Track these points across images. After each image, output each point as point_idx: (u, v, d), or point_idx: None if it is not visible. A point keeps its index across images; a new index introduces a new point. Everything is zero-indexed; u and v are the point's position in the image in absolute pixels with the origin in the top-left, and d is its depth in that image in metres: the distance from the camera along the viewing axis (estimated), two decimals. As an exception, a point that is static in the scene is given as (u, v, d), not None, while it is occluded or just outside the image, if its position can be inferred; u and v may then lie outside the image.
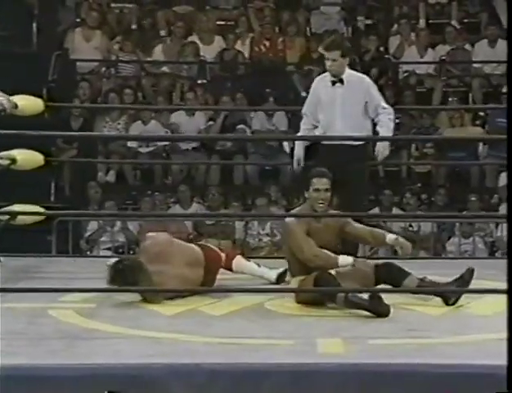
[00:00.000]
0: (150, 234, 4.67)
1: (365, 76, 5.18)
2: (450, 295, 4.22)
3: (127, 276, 4.24)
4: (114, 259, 4.43)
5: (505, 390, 2.91)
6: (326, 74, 5.08)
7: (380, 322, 4.04)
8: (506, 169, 3.19)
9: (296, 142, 5.18)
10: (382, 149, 5.04)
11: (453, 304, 4.23)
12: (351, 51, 5.28)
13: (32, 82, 7.32)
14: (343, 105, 5.03)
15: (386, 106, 5.07)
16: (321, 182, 4.30)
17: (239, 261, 4.79)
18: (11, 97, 4.85)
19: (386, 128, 5.01)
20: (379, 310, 4.04)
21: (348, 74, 5.08)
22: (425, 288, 4.28)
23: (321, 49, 5.14)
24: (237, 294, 4.48)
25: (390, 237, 4.37)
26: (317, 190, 4.29)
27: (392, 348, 3.60)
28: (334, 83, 5.05)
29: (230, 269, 4.77)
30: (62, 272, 5.19)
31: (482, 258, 6.86)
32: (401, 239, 4.39)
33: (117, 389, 3.26)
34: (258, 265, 4.83)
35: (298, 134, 5.25)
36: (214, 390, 3.30)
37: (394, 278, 4.29)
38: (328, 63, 5.02)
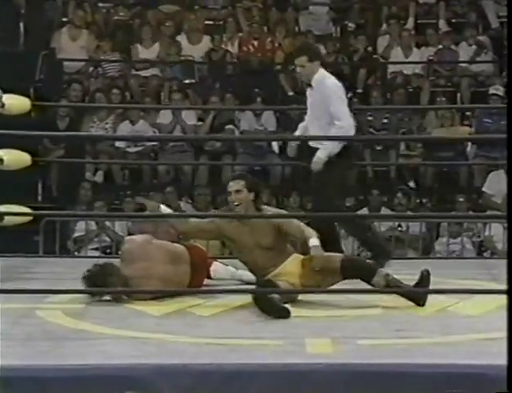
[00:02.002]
0: (128, 237, 4.70)
1: (331, 82, 5.10)
2: (420, 296, 4.22)
3: (97, 280, 4.25)
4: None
5: (504, 390, 2.92)
6: None
7: (369, 321, 4.04)
8: (506, 168, 3.20)
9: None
10: (315, 162, 5.01)
11: (423, 304, 4.22)
12: (319, 54, 5.28)
13: (19, 81, 7.29)
14: (312, 108, 5.11)
15: (340, 123, 5.00)
16: (230, 186, 4.45)
17: (216, 268, 4.77)
18: None
19: (324, 149, 4.99)
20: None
21: (320, 77, 5.08)
22: (398, 289, 4.25)
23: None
24: (224, 294, 4.48)
25: (311, 242, 4.28)
26: (230, 193, 4.45)
27: (381, 348, 3.61)
28: (308, 86, 5.11)
29: (209, 277, 4.75)
30: (49, 272, 5.18)
31: (470, 258, 6.88)
32: (317, 250, 4.25)
33: (104, 390, 3.25)
34: (236, 268, 4.80)
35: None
36: (202, 391, 3.29)
37: (363, 275, 4.27)
38: (297, 69, 5.04)
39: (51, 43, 8.99)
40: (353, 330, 3.89)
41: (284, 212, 4.84)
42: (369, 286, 4.26)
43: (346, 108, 5.05)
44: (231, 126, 8.42)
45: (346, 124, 5.00)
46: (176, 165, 8.37)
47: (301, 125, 5.30)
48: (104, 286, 4.24)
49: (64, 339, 3.70)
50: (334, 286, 4.31)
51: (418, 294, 4.21)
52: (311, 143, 5.10)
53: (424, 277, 4.27)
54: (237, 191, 4.40)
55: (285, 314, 4.05)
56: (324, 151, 4.99)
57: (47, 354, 3.46)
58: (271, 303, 4.04)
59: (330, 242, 4.52)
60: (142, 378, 3.28)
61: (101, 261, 4.46)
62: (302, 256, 4.37)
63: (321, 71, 5.10)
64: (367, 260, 4.60)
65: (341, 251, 4.83)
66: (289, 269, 4.31)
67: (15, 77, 7.55)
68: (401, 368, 3.34)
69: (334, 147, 5.00)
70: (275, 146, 8.55)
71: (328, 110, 5.01)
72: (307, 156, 5.03)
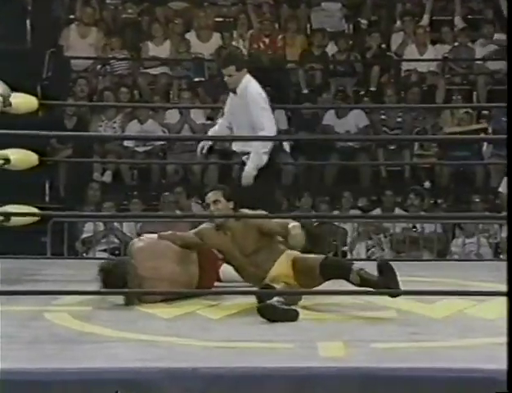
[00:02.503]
0: (135, 239, 4.71)
1: (253, 91, 5.13)
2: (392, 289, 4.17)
3: (114, 276, 4.26)
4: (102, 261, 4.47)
5: (504, 390, 2.91)
6: None
7: (383, 324, 4.03)
8: (506, 168, 3.20)
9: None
10: (245, 177, 5.03)
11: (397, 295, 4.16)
12: (246, 63, 5.35)
13: (26, 80, 7.31)
14: (234, 115, 5.15)
15: (263, 133, 4.99)
16: (208, 197, 4.57)
17: (225, 269, 4.77)
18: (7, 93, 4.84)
19: (251, 162, 4.99)
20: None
21: (244, 85, 5.11)
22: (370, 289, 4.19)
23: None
24: (234, 297, 4.47)
25: (290, 225, 4.35)
26: (208, 205, 4.57)
27: (395, 352, 3.59)
28: (233, 92, 5.16)
29: (218, 279, 4.76)
30: (57, 274, 5.19)
31: (486, 260, 6.86)
32: (295, 229, 4.35)
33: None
34: None
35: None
36: (212, 395, 3.29)
37: (341, 274, 4.26)
38: (225, 78, 5.12)
39: (58, 41, 9.01)
40: (367, 333, 3.88)
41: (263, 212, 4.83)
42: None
43: (269, 116, 5.06)
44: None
45: (269, 134, 4.99)
46: (185, 165, 8.38)
47: (212, 130, 5.33)
48: (119, 282, 4.24)
49: (71, 342, 3.70)
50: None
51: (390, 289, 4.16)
52: (237, 148, 5.12)
53: (383, 267, 4.21)
54: (215, 201, 4.52)
55: (294, 316, 4.05)
56: (252, 165, 5.01)
57: (54, 358, 3.46)
58: (275, 309, 4.05)
59: (317, 245, 4.55)
60: (151, 382, 3.28)
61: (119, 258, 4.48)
62: (294, 253, 4.38)
63: (247, 78, 5.15)
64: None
65: (324, 252, 4.84)
66: (284, 271, 4.32)
67: (22, 75, 7.57)
68: (416, 372, 3.32)
69: (260, 159, 4.99)
70: (286, 145, 8.55)
71: (250, 117, 5.03)
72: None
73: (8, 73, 7.45)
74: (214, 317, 4.15)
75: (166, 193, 7.85)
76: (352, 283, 4.22)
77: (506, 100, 2.96)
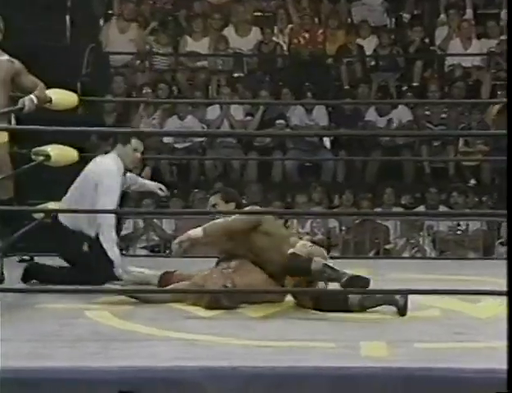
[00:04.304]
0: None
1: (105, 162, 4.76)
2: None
3: None
4: None
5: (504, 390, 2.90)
6: None
7: (426, 324, 4.02)
8: (506, 168, 3.19)
9: None
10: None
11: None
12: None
13: (65, 76, 7.39)
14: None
15: (100, 220, 4.56)
16: (210, 202, 4.62)
17: None
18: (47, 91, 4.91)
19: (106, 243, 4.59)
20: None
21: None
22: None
23: None
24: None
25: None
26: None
27: (439, 352, 3.58)
28: None
29: None
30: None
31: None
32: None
33: (151, 392, 3.29)
34: None
35: None
36: (252, 394, 3.30)
37: (302, 268, 4.25)
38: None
39: (98, 36, 9.09)
40: (410, 332, 3.87)
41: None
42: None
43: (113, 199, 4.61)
44: (281, 121, 8.42)
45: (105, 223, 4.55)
46: (224, 161, 8.41)
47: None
48: None
49: (112, 340, 3.74)
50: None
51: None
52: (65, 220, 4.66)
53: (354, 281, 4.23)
54: (214, 205, 4.58)
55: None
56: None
57: (96, 356, 3.51)
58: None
59: None
60: (190, 381, 3.31)
61: None
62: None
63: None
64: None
65: None
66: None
67: (62, 71, 7.65)
68: (460, 372, 3.31)
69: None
70: (326, 141, 8.54)
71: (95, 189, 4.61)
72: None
73: (48, 69, 7.55)
74: (255, 315, 4.17)
75: (196, 190, 7.88)
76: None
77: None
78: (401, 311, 4.13)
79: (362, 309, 4.19)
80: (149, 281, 4.51)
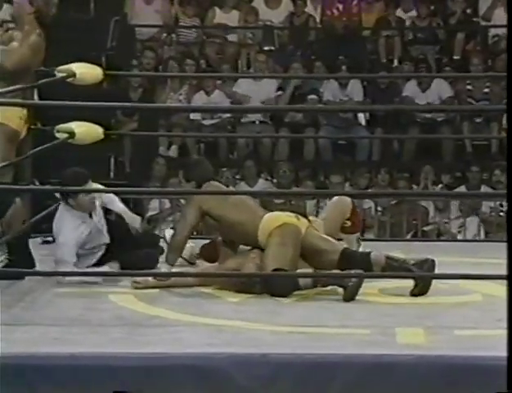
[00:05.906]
0: None
1: None
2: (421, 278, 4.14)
3: None
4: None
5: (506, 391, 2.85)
6: None
7: (467, 310, 3.97)
8: (506, 168, 3.15)
9: None
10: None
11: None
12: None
13: (90, 49, 7.38)
14: None
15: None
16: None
17: None
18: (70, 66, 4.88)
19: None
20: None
21: None
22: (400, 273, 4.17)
23: None
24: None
25: None
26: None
27: (480, 339, 3.53)
28: None
29: None
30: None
31: None
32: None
33: (178, 379, 3.27)
34: None
35: None
36: (281, 383, 3.28)
37: (360, 263, 4.19)
38: None
39: (123, 8, 9.06)
40: (450, 319, 3.82)
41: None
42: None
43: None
44: (313, 96, 8.36)
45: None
46: (254, 139, 8.36)
47: None
48: None
49: (137, 325, 3.74)
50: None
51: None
52: None
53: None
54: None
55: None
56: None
57: (120, 342, 3.50)
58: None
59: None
60: (218, 368, 3.30)
61: None
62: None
63: None
64: None
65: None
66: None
67: (87, 45, 7.64)
68: (502, 361, 3.26)
69: None
70: (361, 117, 8.46)
71: None
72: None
73: (72, 43, 7.54)
74: (285, 300, 4.14)
75: (224, 169, 7.85)
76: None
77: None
78: (347, 295, 4.05)
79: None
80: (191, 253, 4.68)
